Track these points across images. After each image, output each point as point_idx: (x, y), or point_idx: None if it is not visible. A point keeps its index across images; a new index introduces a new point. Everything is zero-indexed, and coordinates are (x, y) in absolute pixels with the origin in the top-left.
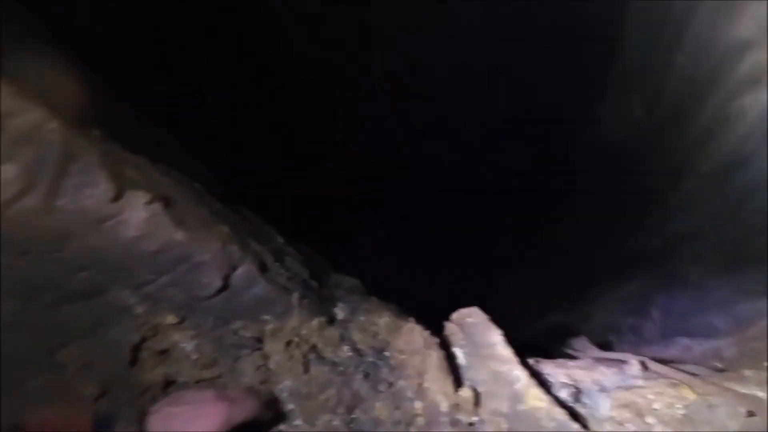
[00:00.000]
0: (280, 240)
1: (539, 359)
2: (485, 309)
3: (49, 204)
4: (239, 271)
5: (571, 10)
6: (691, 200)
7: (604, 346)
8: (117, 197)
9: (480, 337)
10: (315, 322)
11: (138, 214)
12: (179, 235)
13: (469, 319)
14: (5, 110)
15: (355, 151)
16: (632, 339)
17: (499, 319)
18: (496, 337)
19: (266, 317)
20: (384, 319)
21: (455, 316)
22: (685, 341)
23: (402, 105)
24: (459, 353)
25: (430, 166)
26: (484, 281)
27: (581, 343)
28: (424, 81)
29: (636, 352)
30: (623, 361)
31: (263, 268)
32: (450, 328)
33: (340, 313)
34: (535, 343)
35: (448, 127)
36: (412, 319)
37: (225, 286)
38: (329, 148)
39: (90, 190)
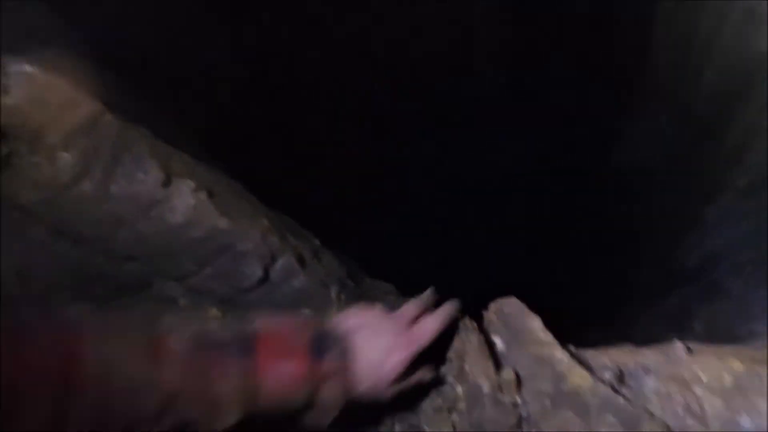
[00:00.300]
0: (317, 242)
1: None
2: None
3: (104, 190)
4: (279, 262)
5: (598, 26)
6: (728, 215)
7: None
8: (166, 184)
9: (518, 324)
10: None
11: (185, 201)
12: (223, 223)
13: (506, 309)
14: (64, 102)
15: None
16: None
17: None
18: (535, 323)
19: (305, 311)
20: None
21: (492, 306)
22: (728, 348)
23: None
24: (498, 341)
25: (467, 179)
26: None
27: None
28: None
29: None
30: (668, 345)
31: (302, 261)
32: (488, 317)
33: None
34: None
35: (474, 150)
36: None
37: (265, 278)
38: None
39: (141, 176)
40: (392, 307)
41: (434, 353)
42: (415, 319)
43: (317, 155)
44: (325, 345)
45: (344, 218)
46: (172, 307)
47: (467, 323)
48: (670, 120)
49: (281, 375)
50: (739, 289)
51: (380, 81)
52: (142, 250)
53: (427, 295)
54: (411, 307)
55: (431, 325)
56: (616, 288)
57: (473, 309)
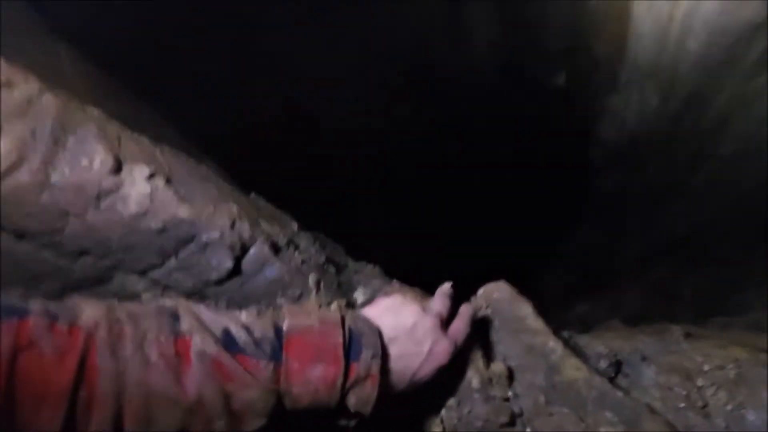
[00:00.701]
0: (294, 226)
1: (573, 333)
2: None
3: (44, 179)
4: (251, 252)
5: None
6: (714, 183)
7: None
8: (116, 170)
9: (509, 311)
10: (333, 306)
11: (139, 189)
12: (184, 212)
13: (496, 294)
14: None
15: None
16: (664, 318)
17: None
18: (526, 309)
19: (281, 301)
20: None
21: (481, 291)
22: (722, 319)
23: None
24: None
25: (450, 159)
26: (508, 272)
27: (613, 325)
28: (434, 76)
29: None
30: (664, 329)
31: (276, 248)
32: (476, 303)
33: (359, 296)
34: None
35: (461, 127)
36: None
37: (236, 269)
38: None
39: (86, 162)
40: (376, 291)
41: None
42: (447, 318)
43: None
44: (359, 346)
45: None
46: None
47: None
48: (655, 91)
49: (311, 379)
50: (729, 258)
51: None
52: (96, 242)
53: (448, 290)
54: (442, 304)
55: (464, 328)
56: (603, 258)
57: (464, 290)
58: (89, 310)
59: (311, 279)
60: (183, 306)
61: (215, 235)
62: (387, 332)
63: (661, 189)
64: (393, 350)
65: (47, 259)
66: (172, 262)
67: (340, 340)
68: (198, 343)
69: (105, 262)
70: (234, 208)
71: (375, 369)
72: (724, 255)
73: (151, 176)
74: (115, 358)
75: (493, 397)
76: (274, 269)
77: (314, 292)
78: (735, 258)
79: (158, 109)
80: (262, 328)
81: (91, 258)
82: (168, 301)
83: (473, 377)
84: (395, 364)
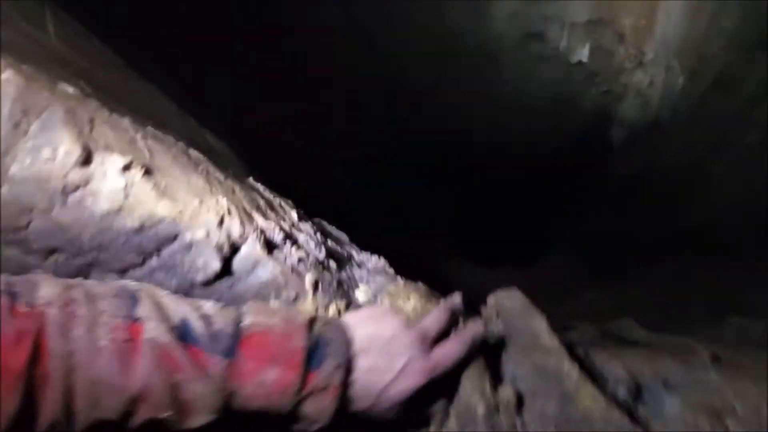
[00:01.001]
0: (294, 216)
1: (588, 348)
2: (518, 285)
3: (2, 170)
4: (242, 251)
5: None
6: (737, 171)
7: (653, 325)
8: (84, 161)
9: (521, 324)
10: (332, 308)
11: (111, 183)
12: (164, 209)
13: (507, 303)
14: None
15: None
16: (677, 317)
17: (533, 297)
18: (539, 324)
19: (275, 304)
20: (411, 303)
21: (492, 300)
22: (738, 321)
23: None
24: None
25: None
26: (516, 257)
27: (627, 326)
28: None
29: (685, 333)
30: (689, 350)
31: (270, 247)
32: (486, 313)
33: (361, 296)
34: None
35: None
36: (443, 300)
37: (225, 269)
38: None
39: (49, 152)
40: (380, 289)
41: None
42: (439, 335)
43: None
44: (322, 354)
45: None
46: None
47: (460, 323)
48: (683, 69)
49: (264, 381)
50: (746, 253)
51: None
52: (66, 241)
53: (455, 302)
54: (435, 320)
55: (455, 350)
56: (615, 244)
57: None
58: (46, 288)
59: (308, 279)
60: (145, 290)
61: (200, 234)
62: (360, 342)
63: (681, 175)
64: (362, 362)
65: (13, 257)
66: (153, 262)
67: (302, 344)
68: (151, 329)
69: (79, 261)
70: (224, 202)
71: (336, 380)
72: (741, 249)
73: (126, 167)
74: (65, 339)
75: (500, 426)
76: (268, 270)
77: (311, 294)
78: (753, 253)
79: (156, 79)
80: (223, 321)
81: (63, 256)
82: (132, 283)
83: (478, 403)
84: (362, 377)
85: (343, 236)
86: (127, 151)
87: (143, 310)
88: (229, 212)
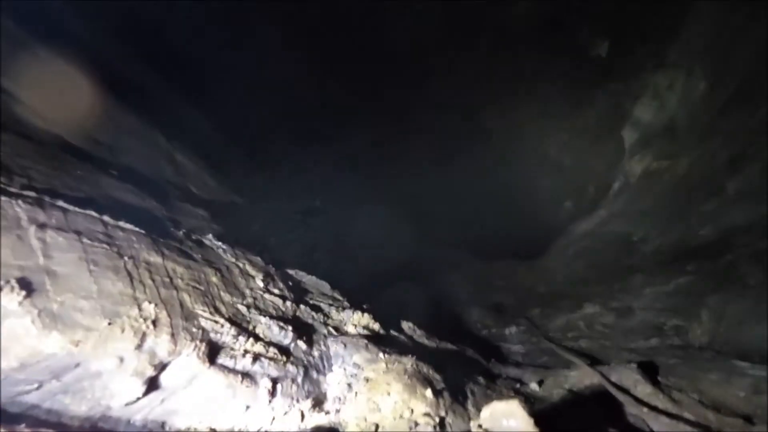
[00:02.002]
0: (259, 283)
1: None
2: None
3: None
4: (173, 367)
5: None
6: (753, 189)
7: (653, 377)
8: None
9: None
10: (293, 412)
11: None
12: (52, 344)
13: (505, 422)
14: None
15: None
16: (677, 342)
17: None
18: None
19: (220, 419)
20: (391, 399)
21: (487, 413)
22: (743, 366)
23: None
24: None
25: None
26: (517, 250)
27: (630, 375)
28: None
29: (688, 376)
30: None
31: (215, 351)
32: None
33: (333, 386)
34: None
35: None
36: (430, 392)
37: (152, 388)
38: None
39: None
40: (356, 373)
41: None
42: None
43: None
44: None
45: None
46: None
47: None
48: (704, 75)
49: None
50: (758, 281)
51: None
52: None
53: None
54: None
55: None
56: (619, 251)
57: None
58: None
59: (263, 385)
60: None
61: (110, 364)
62: None
63: (693, 185)
64: None
65: None
66: (53, 385)
67: None
68: None
69: None
70: (149, 310)
71: None
72: (751, 274)
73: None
74: None
75: None
76: (208, 384)
77: (266, 401)
78: (760, 281)
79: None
80: None
81: None
82: None
83: None
84: None
85: (324, 286)
86: (10, 258)
87: None
88: (156, 323)
